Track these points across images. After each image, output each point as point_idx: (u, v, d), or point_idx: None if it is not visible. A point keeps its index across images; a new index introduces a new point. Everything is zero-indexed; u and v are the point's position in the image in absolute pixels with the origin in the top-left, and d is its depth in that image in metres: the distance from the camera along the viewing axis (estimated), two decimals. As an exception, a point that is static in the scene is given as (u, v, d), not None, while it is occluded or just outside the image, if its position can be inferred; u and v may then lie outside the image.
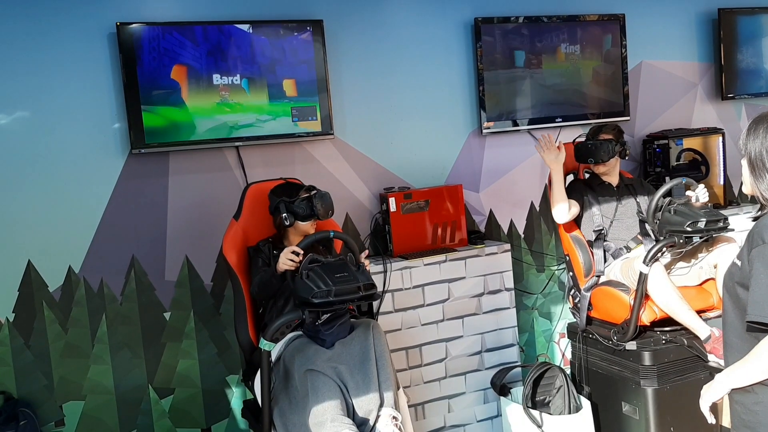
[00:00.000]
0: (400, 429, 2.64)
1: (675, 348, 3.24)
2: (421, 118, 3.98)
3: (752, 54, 4.79)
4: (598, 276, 3.49)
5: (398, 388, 2.81)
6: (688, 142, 4.38)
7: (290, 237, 3.04)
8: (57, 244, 3.26)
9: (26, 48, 3.20)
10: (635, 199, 3.60)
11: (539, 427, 3.34)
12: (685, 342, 3.22)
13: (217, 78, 3.44)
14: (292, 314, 2.65)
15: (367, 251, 2.91)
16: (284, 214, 2.93)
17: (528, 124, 4.17)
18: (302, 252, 2.74)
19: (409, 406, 3.19)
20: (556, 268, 4.31)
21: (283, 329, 2.67)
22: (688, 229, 3.09)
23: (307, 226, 2.99)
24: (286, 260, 2.75)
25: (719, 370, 3.11)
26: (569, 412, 3.44)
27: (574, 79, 4.25)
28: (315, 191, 2.97)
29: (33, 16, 3.20)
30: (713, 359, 3.06)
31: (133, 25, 3.28)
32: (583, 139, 3.73)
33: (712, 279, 3.31)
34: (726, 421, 3.52)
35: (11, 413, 3.08)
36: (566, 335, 3.85)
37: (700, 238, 3.15)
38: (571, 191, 3.57)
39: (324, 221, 3.07)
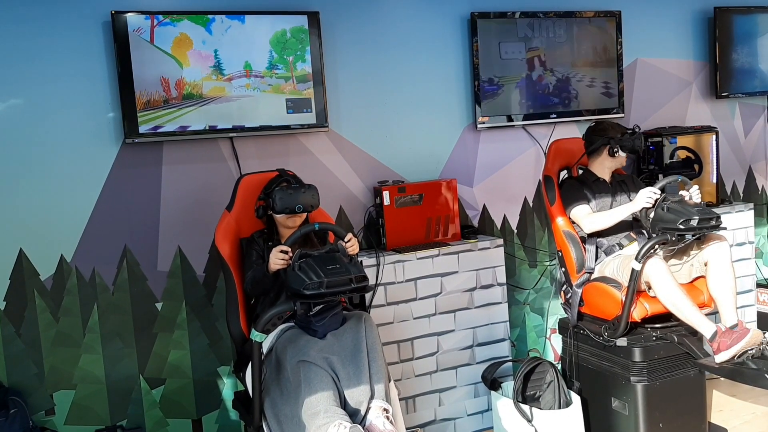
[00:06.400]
0: (390, 421, 2.64)
1: (665, 345, 3.26)
2: (417, 112, 3.97)
3: (747, 53, 4.80)
4: (589, 273, 3.50)
5: (389, 381, 2.81)
6: (682, 140, 4.39)
7: (279, 229, 3.03)
8: (49, 232, 3.25)
9: (20, 35, 3.17)
10: (628, 196, 3.60)
11: (529, 421, 3.35)
12: (676, 339, 3.24)
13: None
14: (284, 306, 2.64)
15: (350, 234, 2.86)
16: (257, 206, 2.99)
17: (523, 120, 4.17)
18: (289, 250, 2.74)
19: (400, 399, 3.19)
20: (548, 263, 4.32)
21: (274, 320, 2.67)
22: (681, 226, 3.09)
23: (282, 218, 2.98)
24: (277, 260, 2.74)
25: (710, 368, 3.13)
26: (559, 407, 3.45)
27: (569, 76, 4.25)
28: (284, 186, 2.93)
29: (27, 3, 3.18)
30: (720, 358, 3.05)
31: (128, 14, 3.27)
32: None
33: (703, 277, 3.33)
34: (716, 419, 3.56)
35: (1, 401, 3.07)
36: (557, 331, 3.86)
37: (693, 236, 3.15)
38: (574, 193, 3.55)
39: (315, 213, 3.06)
